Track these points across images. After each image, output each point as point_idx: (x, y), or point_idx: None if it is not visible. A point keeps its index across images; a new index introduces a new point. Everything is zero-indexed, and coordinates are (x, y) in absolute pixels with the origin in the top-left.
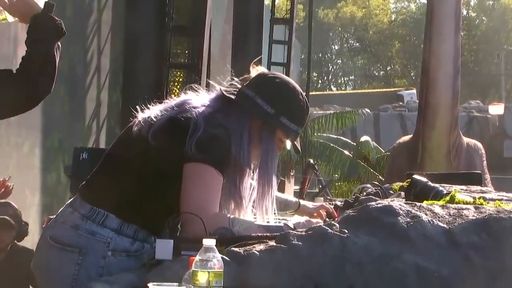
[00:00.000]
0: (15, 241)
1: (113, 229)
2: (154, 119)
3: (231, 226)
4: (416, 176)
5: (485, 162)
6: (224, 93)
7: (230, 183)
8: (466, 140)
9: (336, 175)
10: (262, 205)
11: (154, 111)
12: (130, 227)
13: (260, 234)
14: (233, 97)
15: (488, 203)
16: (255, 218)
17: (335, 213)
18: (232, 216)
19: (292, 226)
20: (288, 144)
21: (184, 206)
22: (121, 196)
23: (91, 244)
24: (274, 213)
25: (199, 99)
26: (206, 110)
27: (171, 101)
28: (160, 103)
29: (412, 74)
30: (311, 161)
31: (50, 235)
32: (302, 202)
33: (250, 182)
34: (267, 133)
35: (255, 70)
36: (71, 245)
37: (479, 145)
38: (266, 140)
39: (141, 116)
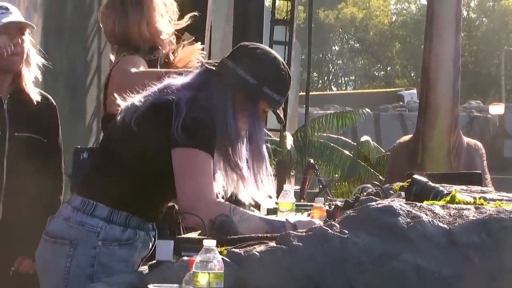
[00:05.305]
0: None
1: (103, 218)
2: (137, 105)
3: (232, 215)
4: (416, 176)
5: (485, 162)
6: (206, 65)
7: (226, 159)
8: (466, 140)
9: (337, 175)
10: (258, 178)
11: (136, 97)
12: (121, 214)
13: (260, 235)
14: (214, 68)
15: (488, 203)
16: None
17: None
18: (233, 205)
19: (292, 222)
20: (289, 143)
21: (181, 194)
22: (109, 185)
23: (81, 235)
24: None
25: (181, 80)
26: (188, 92)
27: (154, 86)
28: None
29: (412, 74)
30: (312, 161)
31: (45, 232)
32: None
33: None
34: (251, 104)
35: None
36: (63, 237)
37: (480, 145)
38: (250, 112)
39: (123, 104)
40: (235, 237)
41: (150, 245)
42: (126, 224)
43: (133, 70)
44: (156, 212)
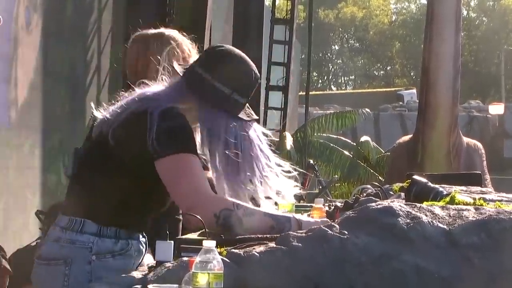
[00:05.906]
0: None
1: (93, 233)
2: (113, 117)
3: (236, 209)
4: (416, 177)
5: (485, 163)
6: (181, 73)
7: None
8: (466, 140)
9: (336, 176)
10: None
11: (110, 109)
12: (110, 229)
13: (260, 236)
14: (193, 84)
15: (488, 204)
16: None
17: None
18: (235, 201)
19: (298, 219)
20: (288, 143)
21: (179, 198)
22: (94, 201)
23: (74, 252)
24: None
25: (155, 89)
26: (161, 103)
27: (128, 96)
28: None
29: (412, 74)
30: (311, 161)
31: (37, 256)
32: None
33: None
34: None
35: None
36: (56, 258)
37: (479, 145)
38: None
39: (98, 116)
40: (235, 237)
41: (144, 251)
42: (117, 236)
43: None
44: (144, 223)
